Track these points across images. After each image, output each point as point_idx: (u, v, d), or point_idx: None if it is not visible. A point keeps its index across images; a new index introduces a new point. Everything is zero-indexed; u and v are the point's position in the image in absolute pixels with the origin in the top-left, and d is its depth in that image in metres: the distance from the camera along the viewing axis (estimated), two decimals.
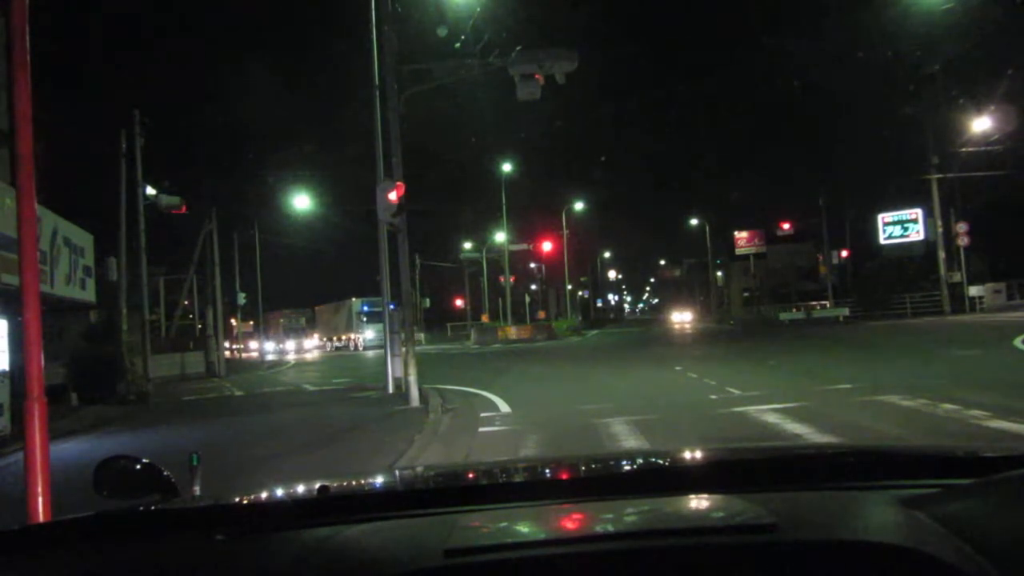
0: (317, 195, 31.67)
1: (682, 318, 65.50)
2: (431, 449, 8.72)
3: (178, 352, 30.93)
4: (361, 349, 48.64)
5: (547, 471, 2.18)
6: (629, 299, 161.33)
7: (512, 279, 53.08)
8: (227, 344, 40.90)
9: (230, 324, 43.35)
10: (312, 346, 58.57)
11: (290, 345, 56.46)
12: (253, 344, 55.37)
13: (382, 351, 36.86)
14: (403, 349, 13.77)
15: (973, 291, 38.42)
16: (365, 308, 49.69)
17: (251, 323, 56.42)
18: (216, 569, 1.27)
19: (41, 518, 4.05)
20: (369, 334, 48.25)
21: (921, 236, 43.53)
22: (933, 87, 35.51)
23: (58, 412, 14.01)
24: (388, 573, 1.09)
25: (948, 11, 25.33)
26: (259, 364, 40.78)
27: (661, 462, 2.11)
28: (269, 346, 55.21)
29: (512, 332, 44.03)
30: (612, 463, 2.36)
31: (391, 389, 14.82)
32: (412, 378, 13.01)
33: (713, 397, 11.48)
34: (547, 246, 51.59)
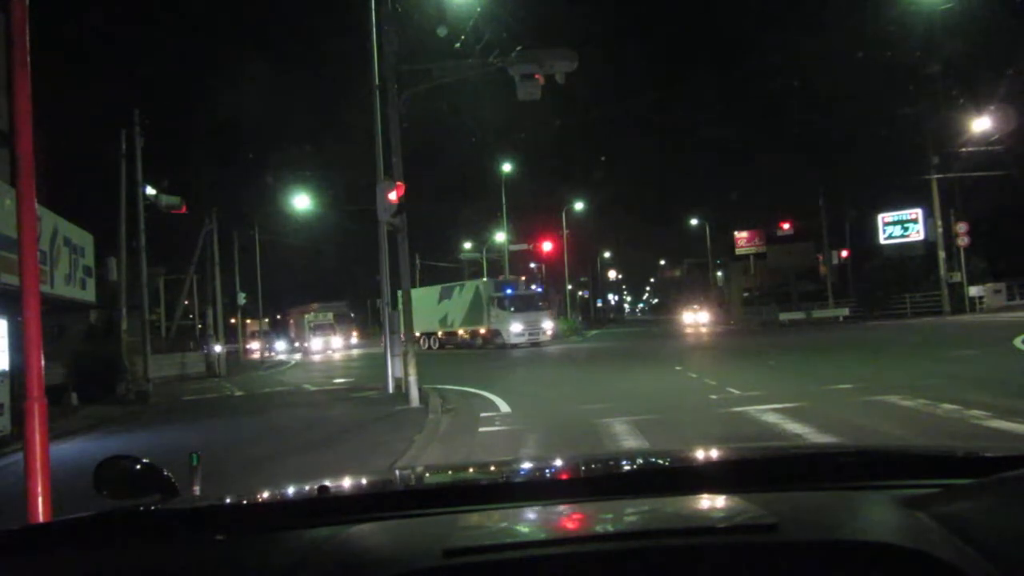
0: (321, 193, 31.55)
1: (695, 319, 55.26)
2: (431, 449, 8.73)
3: (178, 352, 31.00)
4: (499, 346, 34.97)
5: (547, 471, 2.18)
6: (629, 299, 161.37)
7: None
8: (234, 345, 40.48)
9: (230, 324, 42.82)
10: (341, 344, 50.84)
11: (317, 344, 49.23)
12: (257, 344, 50.73)
13: (529, 348, 34.67)
14: (403, 349, 13.78)
15: (973, 291, 38.40)
16: (509, 291, 36.40)
17: (267, 320, 54.93)
18: (216, 569, 1.27)
19: (41, 518, 4.05)
20: (515, 326, 34.83)
21: (921, 236, 43.52)
22: (933, 87, 35.53)
23: (58, 412, 14.01)
24: (388, 573, 1.09)
25: (948, 11, 25.34)
26: (260, 364, 40.79)
27: (661, 462, 2.11)
28: (280, 345, 51.75)
29: None
30: (612, 463, 2.36)
31: (391, 389, 14.83)
32: (412, 378, 13.01)
33: (713, 397, 11.48)
34: (547, 246, 51.41)
